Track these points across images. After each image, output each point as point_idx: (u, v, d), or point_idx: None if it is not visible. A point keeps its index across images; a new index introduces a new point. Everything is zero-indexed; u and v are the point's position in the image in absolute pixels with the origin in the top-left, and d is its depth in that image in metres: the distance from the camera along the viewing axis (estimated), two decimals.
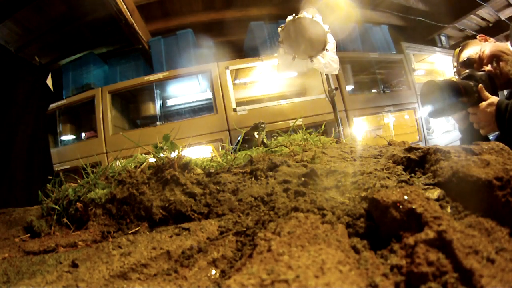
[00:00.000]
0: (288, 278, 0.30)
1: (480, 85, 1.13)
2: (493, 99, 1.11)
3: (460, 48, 1.47)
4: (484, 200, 0.45)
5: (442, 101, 1.07)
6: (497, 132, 1.18)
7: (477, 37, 1.44)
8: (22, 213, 0.89)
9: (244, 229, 0.56)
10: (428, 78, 4.77)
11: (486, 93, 1.13)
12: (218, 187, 0.74)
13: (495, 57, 1.30)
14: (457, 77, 1.46)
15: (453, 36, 5.04)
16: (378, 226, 0.48)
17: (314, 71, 2.11)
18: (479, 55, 1.34)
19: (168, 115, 3.72)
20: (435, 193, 0.53)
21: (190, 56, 3.34)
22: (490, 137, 1.30)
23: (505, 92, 1.45)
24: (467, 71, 1.21)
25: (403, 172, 0.70)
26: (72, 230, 0.76)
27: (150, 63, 3.47)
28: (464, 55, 1.40)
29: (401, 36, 4.33)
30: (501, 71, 1.28)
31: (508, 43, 1.34)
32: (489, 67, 1.30)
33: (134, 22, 3.08)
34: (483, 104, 1.12)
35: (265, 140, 1.39)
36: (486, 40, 1.40)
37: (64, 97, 3.35)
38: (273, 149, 1.10)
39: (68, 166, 3.01)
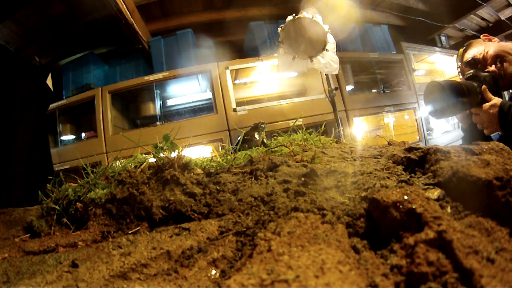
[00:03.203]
0: (288, 278, 0.30)
1: (484, 86, 1.14)
2: (496, 100, 1.12)
3: (464, 48, 1.46)
4: (484, 200, 0.45)
5: (444, 101, 1.08)
6: (499, 132, 1.18)
7: (481, 36, 1.44)
8: (22, 213, 0.89)
9: (244, 229, 0.56)
10: (428, 78, 4.76)
11: (490, 94, 1.13)
12: (218, 187, 0.74)
13: (499, 58, 1.29)
14: (461, 77, 1.46)
15: (453, 36, 5.04)
16: (378, 226, 0.48)
17: (314, 71, 2.11)
18: (483, 55, 1.34)
19: (168, 115, 3.72)
20: (435, 193, 0.53)
21: (190, 56, 3.34)
22: (492, 136, 1.31)
23: (506, 93, 1.45)
24: (471, 71, 1.21)
25: (403, 172, 0.70)
26: (72, 230, 0.76)
27: (150, 63, 3.47)
28: (468, 55, 1.40)
29: (401, 36, 4.33)
30: (505, 71, 1.28)
31: None
32: (493, 68, 1.30)
33: (134, 22, 3.08)
34: (486, 105, 1.13)
35: (265, 140, 1.39)
36: (490, 40, 1.40)
37: (64, 97, 3.35)
38: (273, 149, 1.10)
39: (68, 166, 3.01)
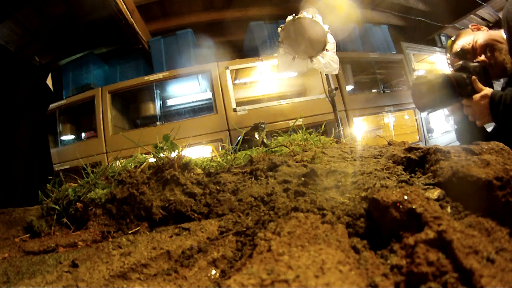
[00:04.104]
0: (288, 278, 0.30)
1: (474, 77, 1.11)
2: (487, 90, 1.09)
3: (453, 39, 1.44)
4: (484, 200, 0.45)
5: (433, 95, 1.06)
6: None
7: (470, 26, 1.40)
8: (22, 213, 0.89)
9: (244, 229, 0.56)
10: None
11: (480, 85, 1.11)
12: (218, 187, 0.74)
13: (488, 46, 1.26)
14: (451, 69, 1.43)
15: (453, 36, 5.04)
16: (378, 226, 0.48)
17: (314, 71, 2.11)
18: (472, 45, 1.30)
19: (168, 115, 3.72)
20: (435, 193, 0.53)
21: (190, 56, 3.34)
22: (488, 129, 1.29)
23: (502, 80, 1.42)
24: (460, 62, 1.19)
25: (403, 172, 0.70)
26: (72, 230, 0.76)
27: (150, 63, 3.47)
28: (457, 46, 1.37)
29: (401, 36, 4.33)
30: (496, 60, 1.25)
31: (502, 31, 1.29)
32: (482, 57, 1.27)
33: (134, 22, 3.08)
34: (477, 96, 1.10)
35: (265, 140, 1.39)
36: (478, 29, 1.37)
37: (64, 97, 3.35)
38: (273, 149, 1.10)
39: (68, 166, 3.01)
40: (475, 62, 1.22)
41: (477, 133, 1.25)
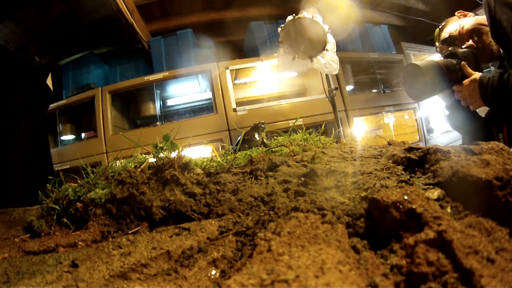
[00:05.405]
0: (288, 278, 0.30)
1: (463, 62, 1.13)
2: (476, 75, 1.11)
3: (440, 26, 1.45)
4: (484, 200, 0.45)
5: (425, 83, 1.07)
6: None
7: (456, 13, 1.42)
8: (22, 213, 0.89)
9: (244, 229, 0.56)
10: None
11: (469, 70, 1.13)
12: (218, 187, 0.74)
13: (475, 31, 1.28)
14: (440, 56, 1.44)
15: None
16: (378, 226, 0.48)
17: (314, 71, 2.11)
18: (459, 31, 1.32)
19: (168, 115, 3.73)
20: (435, 193, 0.53)
21: (190, 56, 3.34)
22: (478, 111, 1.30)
23: (489, 64, 1.43)
24: (449, 49, 1.20)
25: (403, 172, 0.70)
26: (72, 230, 0.76)
27: (150, 63, 3.47)
28: (445, 33, 1.38)
29: (401, 36, 4.33)
30: (483, 43, 1.26)
31: None
32: (470, 42, 1.28)
33: (134, 22, 3.08)
34: (466, 81, 1.12)
35: (265, 140, 1.39)
36: (465, 16, 1.39)
37: (64, 97, 3.35)
38: (273, 149, 1.10)
39: (68, 166, 3.01)
40: (464, 47, 1.24)
41: (469, 117, 1.27)
